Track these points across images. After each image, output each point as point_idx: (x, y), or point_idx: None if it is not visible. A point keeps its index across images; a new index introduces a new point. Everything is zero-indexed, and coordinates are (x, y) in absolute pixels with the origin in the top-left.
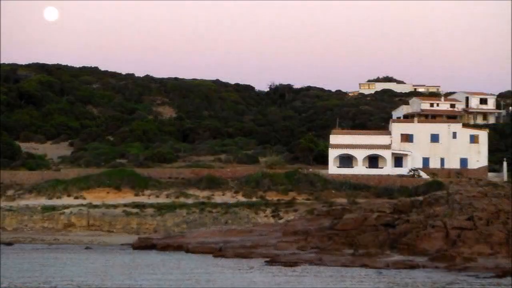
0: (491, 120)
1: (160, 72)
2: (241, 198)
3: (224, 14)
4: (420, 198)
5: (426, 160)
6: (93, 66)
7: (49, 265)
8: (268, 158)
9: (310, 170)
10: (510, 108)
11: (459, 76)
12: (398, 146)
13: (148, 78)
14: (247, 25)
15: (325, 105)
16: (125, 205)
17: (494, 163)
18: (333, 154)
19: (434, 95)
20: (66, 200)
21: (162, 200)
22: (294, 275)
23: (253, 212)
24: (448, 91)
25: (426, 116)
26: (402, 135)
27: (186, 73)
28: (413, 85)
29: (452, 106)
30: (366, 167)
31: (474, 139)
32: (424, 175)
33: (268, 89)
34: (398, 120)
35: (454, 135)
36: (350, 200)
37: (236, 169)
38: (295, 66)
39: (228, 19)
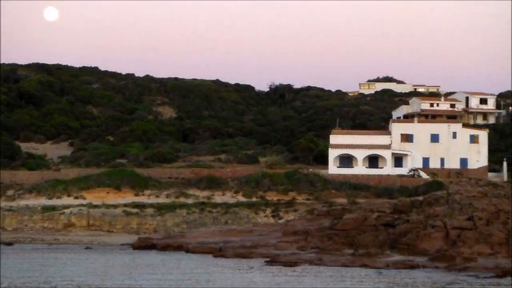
0: (491, 120)
1: (160, 72)
2: (241, 198)
3: (224, 14)
4: (420, 198)
5: (426, 160)
6: (93, 66)
7: (49, 265)
8: (268, 158)
9: (310, 170)
10: (510, 108)
11: (459, 76)
12: (398, 146)
13: (148, 78)
14: (247, 25)
15: (325, 105)
16: (125, 205)
17: (494, 163)
18: (333, 154)
19: (434, 95)
20: (66, 200)
21: (162, 200)
22: (294, 275)
23: (253, 212)
24: (448, 91)
25: (426, 116)
26: (402, 135)
27: (186, 73)
28: (413, 85)
29: (452, 106)
30: (366, 167)
31: (474, 139)
32: (424, 175)
33: (268, 89)
34: (398, 120)
35: (454, 135)
36: (350, 200)
37: (236, 169)
38: (295, 66)
39: (228, 19)
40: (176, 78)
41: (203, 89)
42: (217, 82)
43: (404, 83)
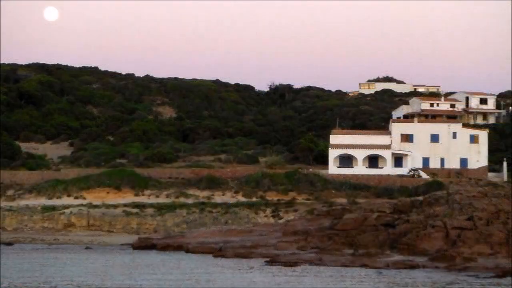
0: (491, 120)
1: (160, 72)
2: (241, 198)
3: (224, 14)
4: (420, 198)
5: (426, 160)
6: (93, 66)
7: (49, 265)
8: (268, 158)
9: (310, 170)
10: (510, 108)
11: (459, 76)
12: (398, 146)
13: (148, 78)
14: (247, 25)
15: (325, 105)
16: (125, 205)
17: (494, 163)
18: (333, 154)
19: (434, 95)
20: (66, 200)
21: (162, 200)
22: (294, 275)
23: (253, 212)
24: (448, 91)
25: (426, 116)
26: (402, 135)
27: (186, 73)
28: (413, 85)
29: (452, 106)
30: (366, 167)
31: (474, 139)
32: (424, 175)
33: (268, 89)
34: (398, 120)
35: (454, 135)
36: (350, 200)
37: (236, 169)
38: (295, 66)
39: (228, 19)
40: (176, 78)
41: (203, 89)
42: (217, 82)
43: (404, 83)
